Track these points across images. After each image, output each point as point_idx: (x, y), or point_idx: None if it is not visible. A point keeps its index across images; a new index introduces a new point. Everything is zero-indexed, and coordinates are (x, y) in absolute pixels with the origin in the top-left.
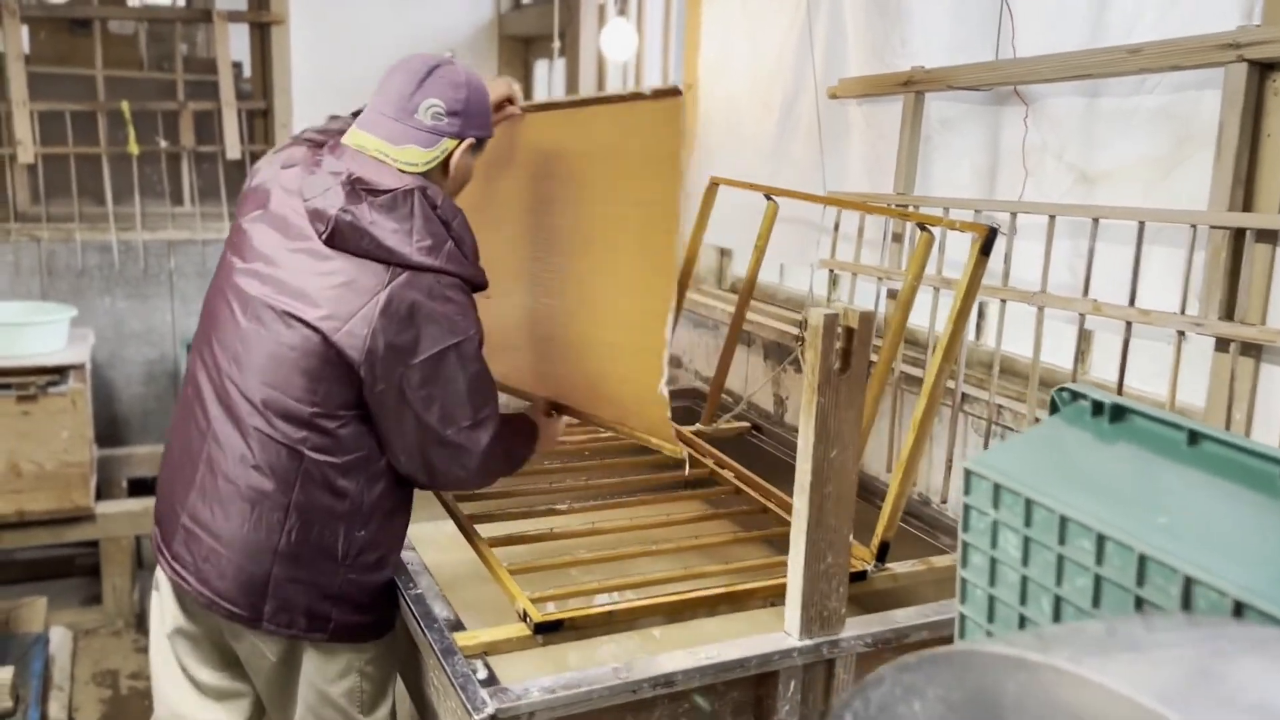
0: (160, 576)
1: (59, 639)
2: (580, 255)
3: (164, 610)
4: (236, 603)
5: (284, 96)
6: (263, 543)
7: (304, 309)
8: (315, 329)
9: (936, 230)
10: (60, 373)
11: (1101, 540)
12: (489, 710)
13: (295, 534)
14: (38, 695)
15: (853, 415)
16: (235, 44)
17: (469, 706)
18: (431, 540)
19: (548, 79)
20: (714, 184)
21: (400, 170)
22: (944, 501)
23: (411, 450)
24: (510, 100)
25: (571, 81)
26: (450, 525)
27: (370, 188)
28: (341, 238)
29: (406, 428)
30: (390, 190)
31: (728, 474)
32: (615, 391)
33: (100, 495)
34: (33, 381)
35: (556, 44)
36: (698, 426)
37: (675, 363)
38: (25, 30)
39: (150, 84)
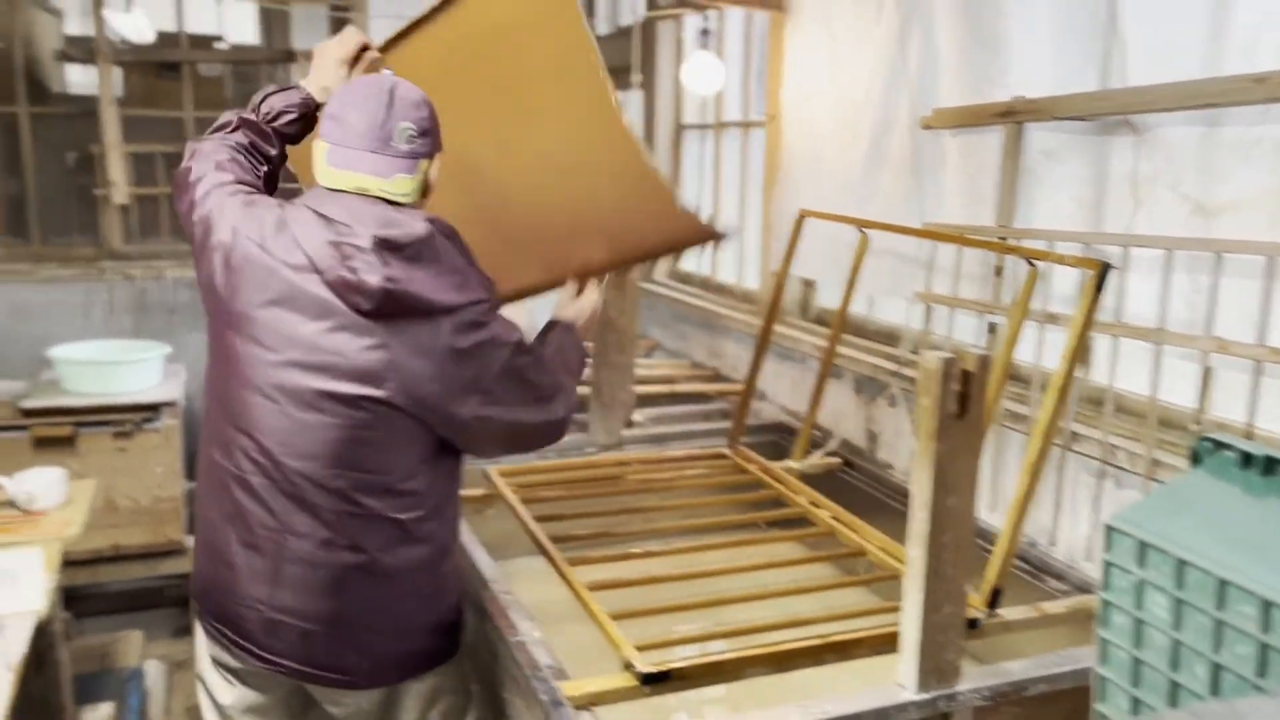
0: (219, 662)
1: (154, 673)
2: (514, 140)
3: (232, 694)
4: (342, 670)
5: None
6: (360, 612)
7: (370, 389)
8: (389, 404)
9: (1041, 263)
10: (155, 409)
11: (1268, 607)
12: None
13: (391, 594)
14: None
15: (969, 462)
16: None
17: None
18: (524, 576)
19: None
20: (802, 216)
21: (399, 204)
22: (1053, 544)
23: (511, 444)
24: (365, 47)
25: (650, 112)
26: (541, 561)
27: (395, 243)
28: (386, 307)
29: (499, 434)
30: (413, 241)
31: (823, 513)
32: (617, 221)
33: (189, 529)
34: (129, 419)
35: (637, 76)
36: (788, 463)
37: (760, 395)
38: (118, 74)
39: None
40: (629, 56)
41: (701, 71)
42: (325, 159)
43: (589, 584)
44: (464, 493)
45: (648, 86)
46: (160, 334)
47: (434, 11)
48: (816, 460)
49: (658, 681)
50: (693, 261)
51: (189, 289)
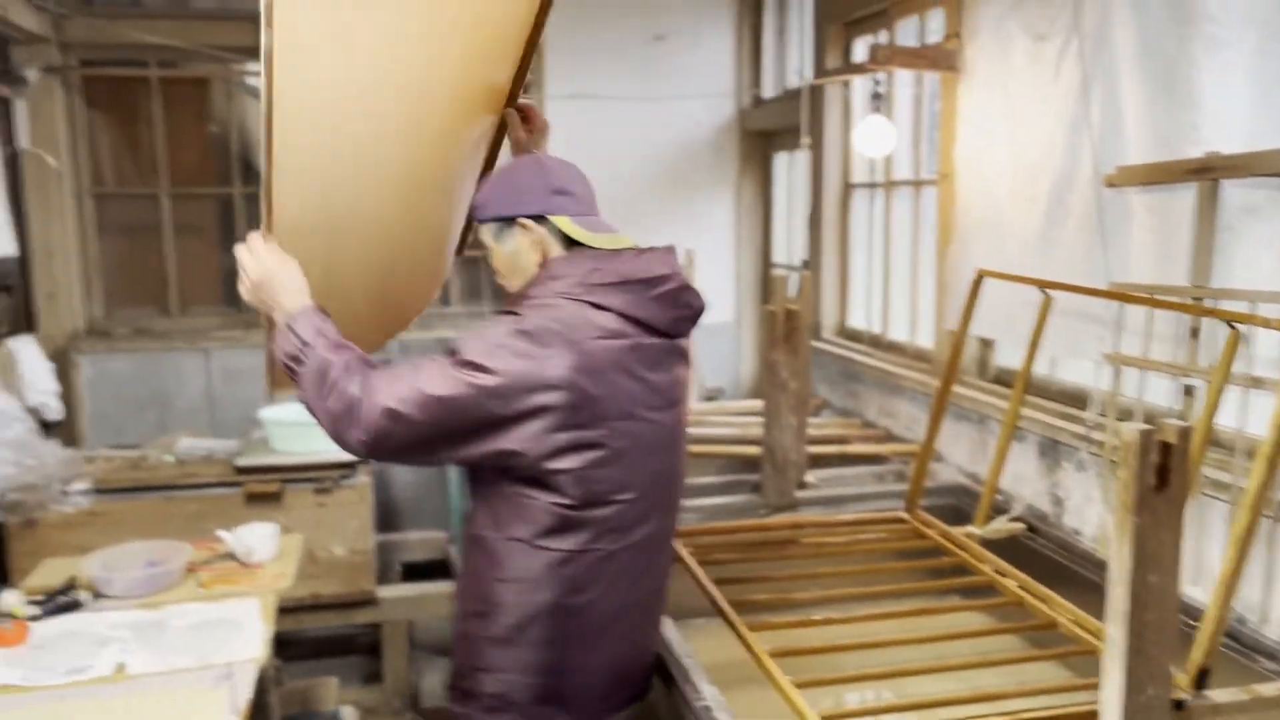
0: None
1: (349, 718)
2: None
3: None
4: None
5: None
6: None
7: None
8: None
9: (1243, 325)
10: (351, 467)
11: None
12: None
13: None
14: None
15: (1171, 536)
16: (501, 153)
17: None
18: (701, 636)
19: (787, 171)
20: (980, 276)
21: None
22: (1264, 621)
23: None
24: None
25: (816, 173)
26: (717, 622)
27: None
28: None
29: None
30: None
31: (1010, 582)
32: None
33: (379, 580)
34: (329, 476)
35: (806, 139)
36: (969, 528)
37: (937, 457)
38: None
39: None
40: (797, 119)
41: (873, 135)
42: (576, 226)
43: (770, 650)
44: None
45: (815, 147)
46: None
47: None
48: (1000, 526)
49: None
50: (862, 319)
51: (379, 351)
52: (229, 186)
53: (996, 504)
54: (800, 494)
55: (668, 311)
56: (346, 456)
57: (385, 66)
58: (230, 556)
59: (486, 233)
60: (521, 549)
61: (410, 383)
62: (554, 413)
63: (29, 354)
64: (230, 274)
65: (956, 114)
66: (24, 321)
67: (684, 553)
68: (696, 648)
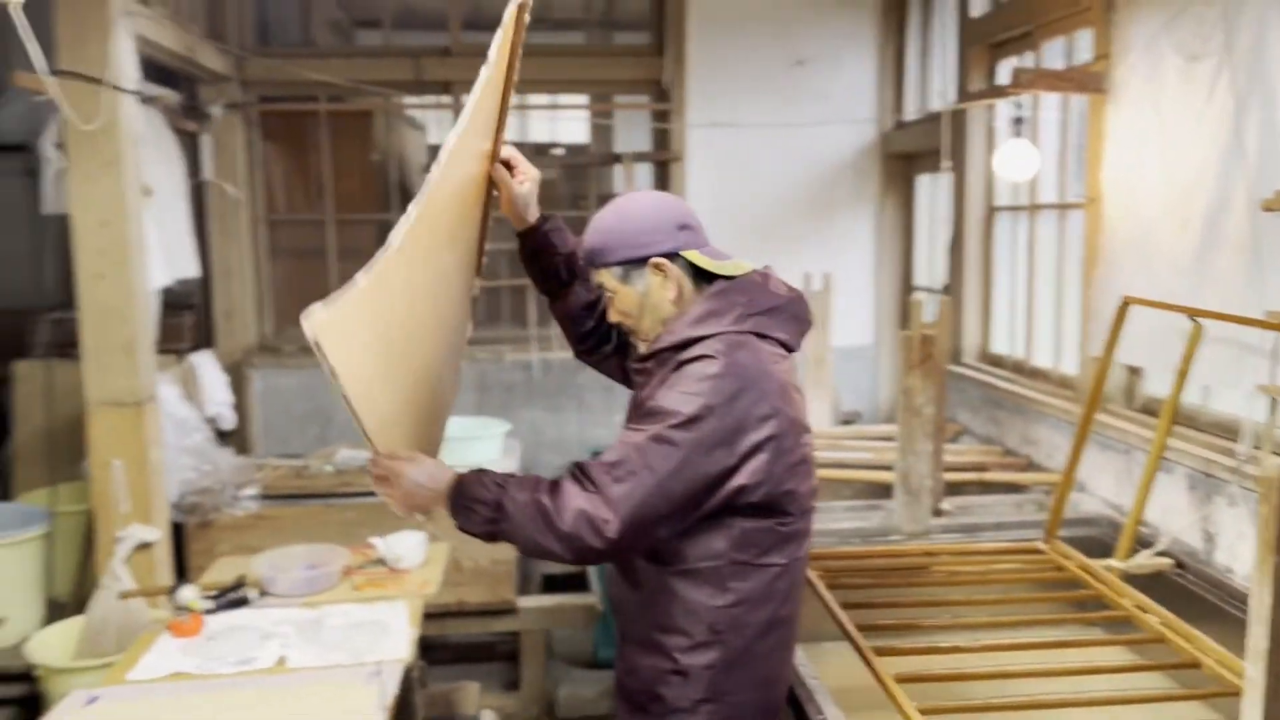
0: None
1: None
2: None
3: None
4: None
5: None
6: None
7: None
8: None
9: None
10: None
11: None
12: None
13: None
14: None
15: None
16: (640, 179)
17: None
18: (827, 660)
19: (930, 193)
20: (1126, 303)
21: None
22: None
23: None
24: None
25: (959, 196)
26: (845, 646)
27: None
28: None
29: None
30: None
31: (1151, 618)
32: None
33: (519, 590)
34: None
35: (947, 162)
36: (1110, 562)
37: (1079, 487)
38: None
39: (566, 221)
40: (939, 141)
41: (1014, 160)
42: (708, 258)
43: (895, 675)
44: None
45: (958, 170)
46: (497, 410)
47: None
48: (1144, 560)
49: None
50: (1005, 344)
51: (521, 370)
52: (388, 212)
53: (1141, 537)
54: (935, 521)
55: (799, 328)
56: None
57: (426, 269)
58: (381, 562)
59: (610, 277)
60: (746, 571)
61: (633, 469)
62: (773, 441)
63: (208, 368)
64: None
65: (1104, 136)
66: (205, 338)
67: (813, 576)
68: (821, 671)
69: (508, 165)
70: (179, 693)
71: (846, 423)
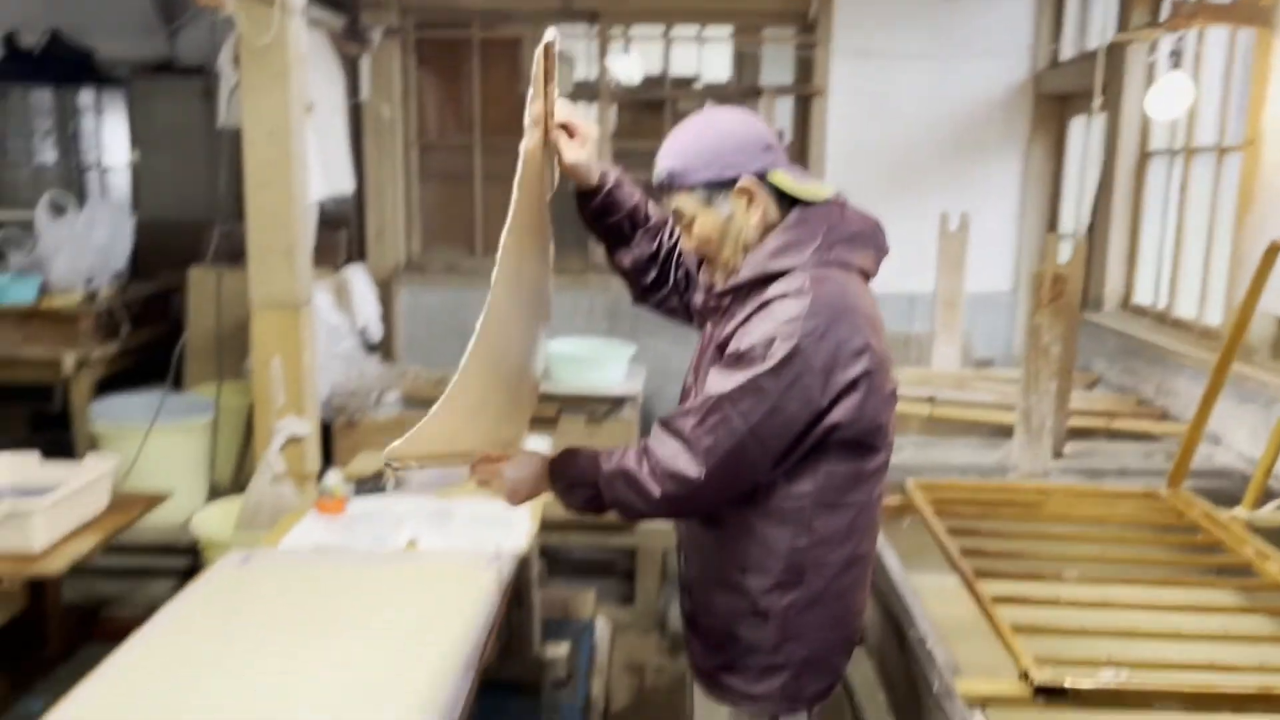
0: None
1: (602, 629)
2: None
3: None
4: None
5: (819, 163)
6: None
7: None
8: None
9: None
10: (620, 402)
11: None
12: None
13: None
14: (584, 671)
15: None
16: (780, 114)
17: None
18: (931, 590)
19: (1083, 138)
20: (1274, 248)
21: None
22: None
23: None
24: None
25: (1111, 139)
26: (950, 580)
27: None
28: None
29: None
30: None
31: (1271, 566)
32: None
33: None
34: (600, 407)
35: (1097, 100)
36: (1235, 511)
37: (1215, 439)
38: (614, 111)
39: None
40: (1090, 80)
41: (1165, 95)
42: (793, 179)
43: (994, 596)
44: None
45: (1112, 112)
46: (627, 335)
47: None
48: (1271, 511)
49: (1053, 696)
50: (1149, 294)
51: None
52: None
53: (1271, 490)
54: (1055, 463)
55: (878, 256)
56: (618, 391)
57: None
58: None
59: (690, 200)
60: (829, 511)
61: (723, 418)
62: (867, 377)
63: (360, 282)
64: None
65: (1269, 74)
66: (358, 254)
67: (920, 502)
68: (926, 597)
69: (566, 129)
70: (321, 560)
71: (979, 369)
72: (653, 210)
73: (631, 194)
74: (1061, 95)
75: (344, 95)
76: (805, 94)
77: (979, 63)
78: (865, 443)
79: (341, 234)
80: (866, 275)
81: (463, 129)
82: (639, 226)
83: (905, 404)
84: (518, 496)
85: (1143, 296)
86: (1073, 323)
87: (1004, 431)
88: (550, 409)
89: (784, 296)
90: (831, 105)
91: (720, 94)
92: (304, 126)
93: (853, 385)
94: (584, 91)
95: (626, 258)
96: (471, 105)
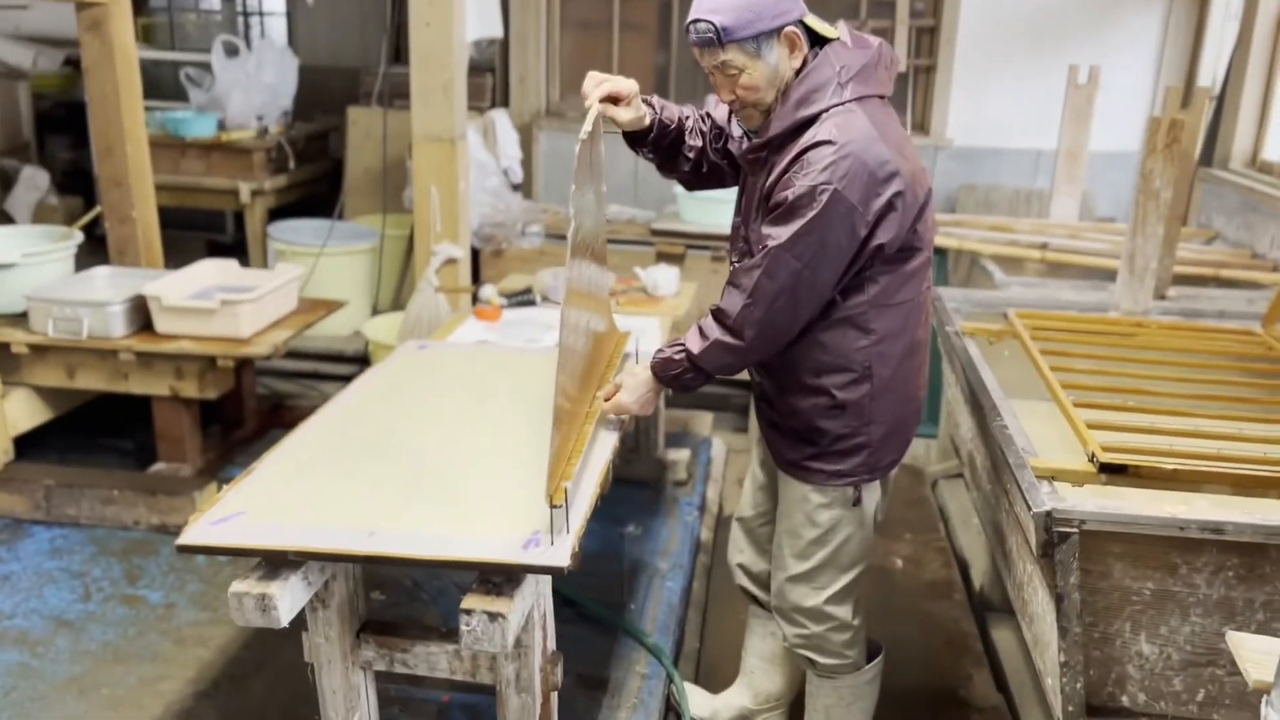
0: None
1: (718, 445)
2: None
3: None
4: None
5: (952, 15)
6: None
7: None
8: None
9: None
10: None
11: None
12: (1045, 508)
13: None
14: (702, 477)
15: None
16: None
17: (1029, 503)
18: (1023, 410)
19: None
20: None
21: None
22: None
23: None
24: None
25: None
26: (1046, 404)
27: None
28: None
29: None
30: None
31: None
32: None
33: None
34: (722, 247)
35: None
36: None
37: None
38: None
39: (839, 4)
40: None
41: None
42: (819, 22)
43: (1075, 402)
44: (980, 325)
45: None
46: None
47: None
48: None
49: (1114, 473)
50: (1277, 151)
51: None
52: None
53: None
54: (1156, 303)
55: (890, 74)
56: None
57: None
58: (642, 290)
59: (740, 53)
60: (883, 312)
61: (782, 263)
62: (900, 196)
63: (503, 125)
64: (662, 70)
65: None
66: (501, 98)
67: (1019, 327)
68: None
69: (613, 99)
70: (484, 350)
71: None
72: (687, 111)
73: (674, 114)
74: None
75: None
76: None
77: None
78: (905, 247)
79: (487, 78)
80: (883, 95)
81: None
82: (684, 133)
83: (1018, 249)
84: (648, 406)
85: (1271, 154)
86: (1186, 170)
87: (1113, 278)
88: (678, 246)
89: (815, 145)
90: None
91: None
92: None
93: (889, 206)
94: None
95: (675, 167)
96: None
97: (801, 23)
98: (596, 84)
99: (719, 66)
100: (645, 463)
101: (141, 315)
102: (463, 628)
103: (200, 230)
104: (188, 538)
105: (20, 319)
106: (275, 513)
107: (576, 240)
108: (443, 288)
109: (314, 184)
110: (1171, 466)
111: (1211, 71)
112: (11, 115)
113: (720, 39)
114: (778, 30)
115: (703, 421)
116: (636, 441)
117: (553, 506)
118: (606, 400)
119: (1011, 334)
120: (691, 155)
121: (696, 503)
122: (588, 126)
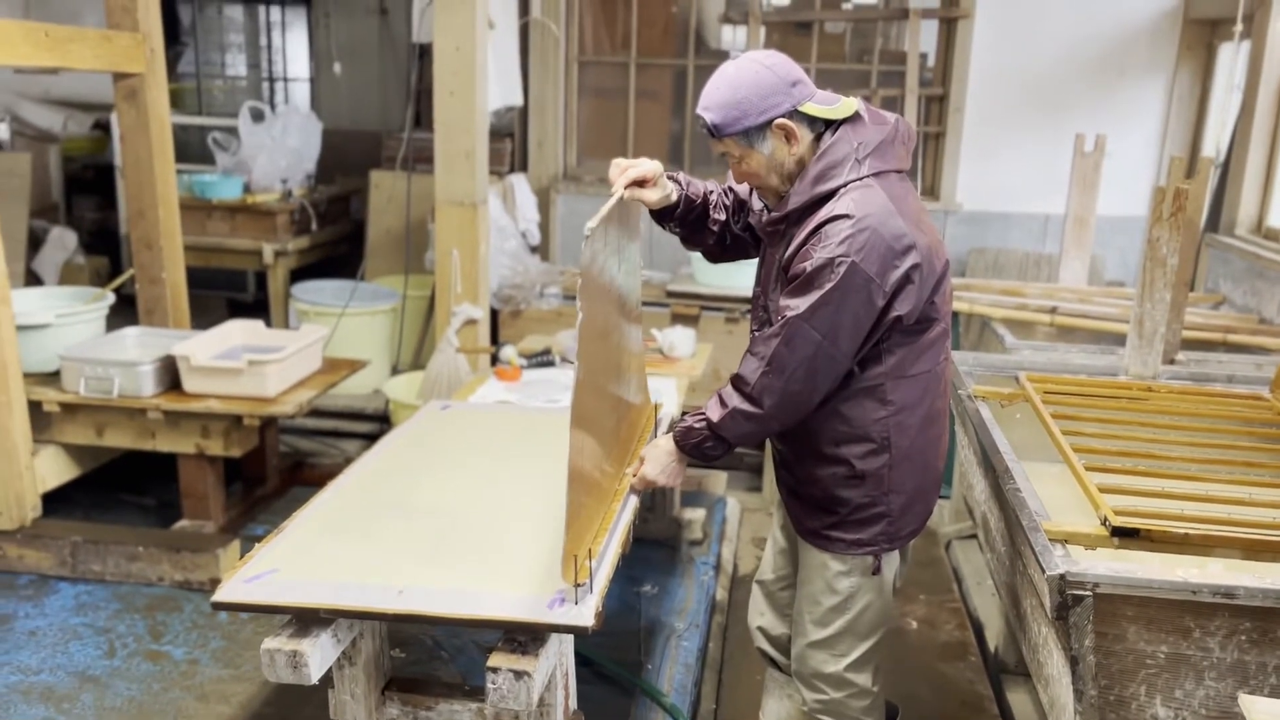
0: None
1: (732, 504)
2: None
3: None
4: None
5: (960, 84)
6: None
7: None
8: None
9: None
10: None
11: None
12: (1059, 570)
13: None
14: (717, 536)
15: None
16: (924, 37)
17: (1043, 566)
18: (1035, 473)
19: (1231, 64)
20: None
21: None
22: None
23: None
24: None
25: (1254, 64)
26: (1057, 466)
27: None
28: None
29: None
30: None
31: None
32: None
33: None
34: (737, 309)
35: (1238, 27)
36: None
37: None
38: (763, 31)
39: (850, 74)
40: (1235, 6)
41: None
42: (820, 105)
43: (1086, 465)
44: (991, 389)
45: (1258, 34)
46: None
47: None
48: None
49: (1126, 536)
50: None
51: None
52: (684, 59)
53: None
54: (1165, 368)
55: (908, 149)
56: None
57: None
58: (659, 351)
59: (735, 145)
60: (901, 383)
61: (799, 332)
62: (917, 269)
63: (522, 189)
64: (676, 137)
65: None
66: (520, 162)
67: (1030, 391)
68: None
69: (640, 183)
70: (505, 411)
71: None
72: (711, 185)
73: (698, 189)
74: (1211, 20)
75: (516, 14)
76: (951, 16)
77: None
78: (923, 319)
79: (506, 143)
80: (900, 170)
81: (618, 48)
82: (709, 207)
83: (1028, 313)
84: (675, 477)
85: (1276, 220)
86: (1191, 237)
87: (1122, 341)
88: (693, 308)
89: (833, 219)
90: (976, 27)
91: (867, 16)
92: (486, 42)
93: (906, 279)
94: (736, 11)
95: (701, 242)
96: (629, 25)
97: (799, 111)
98: (622, 170)
99: (722, 154)
100: (661, 521)
101: (170, 374)
102: (489, 685)
103: (221, 289)
104: (223, 595)
105: (51, 378)
106: (306, 570)
107: (594, 270)
108: (463, 348)
109: (335, 245)
110: (1183, 531)
111: (1215, 139)
112: (42, 178)
113: (715, 133)
114: (767, 124)
115: (717, 480)
116: (653, 500)
117: (576, 585)
118: (633, 475)
119: (1023, 397)
120: (716, 229)
121: (712, 562)
122: (603, 212)
